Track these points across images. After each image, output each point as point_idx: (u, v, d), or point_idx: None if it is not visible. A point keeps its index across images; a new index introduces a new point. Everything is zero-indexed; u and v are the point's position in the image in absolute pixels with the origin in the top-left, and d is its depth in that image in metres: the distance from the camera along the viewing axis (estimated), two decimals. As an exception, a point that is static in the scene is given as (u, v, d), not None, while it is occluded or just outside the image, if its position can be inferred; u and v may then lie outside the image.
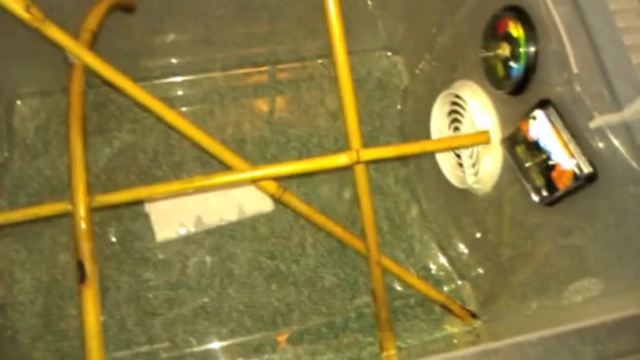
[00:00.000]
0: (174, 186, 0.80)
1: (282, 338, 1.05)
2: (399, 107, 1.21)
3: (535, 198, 0.77)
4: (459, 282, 1.10)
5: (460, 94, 0.87)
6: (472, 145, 0.85)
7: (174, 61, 1.16)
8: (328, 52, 1.19)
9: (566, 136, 0.70)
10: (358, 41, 1.21)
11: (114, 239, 1.06)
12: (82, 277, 0.75)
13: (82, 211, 0.73)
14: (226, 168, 0.88)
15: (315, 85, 1.20)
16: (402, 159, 1.17)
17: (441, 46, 1.04)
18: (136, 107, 1.13)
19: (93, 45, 0.83)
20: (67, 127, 0.74)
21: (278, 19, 1.14)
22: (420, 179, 1.15)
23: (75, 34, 0.79)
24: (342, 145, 1.15)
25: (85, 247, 0.74)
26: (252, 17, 1.13)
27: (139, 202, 1.07)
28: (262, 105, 1.18)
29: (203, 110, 1.16)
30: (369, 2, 1.15)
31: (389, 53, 1.23)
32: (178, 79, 1.17)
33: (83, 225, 0.74)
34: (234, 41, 1.17)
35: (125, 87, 0.79)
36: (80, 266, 0.74)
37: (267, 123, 1.17)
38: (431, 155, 1.03)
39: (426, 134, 1.03)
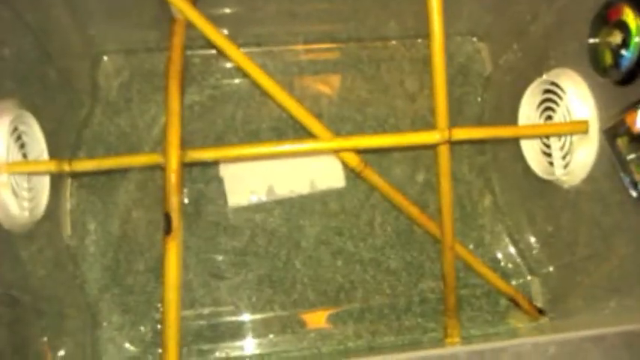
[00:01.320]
0: (261, 149, 0.80)
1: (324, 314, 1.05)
2: (479, 95, 1.18)
3: (633, 193, 0.74)
4: (528, 277, 1.08)
5: (558, 81, 0.85)
6: (569, 134, 0.82)
7: (257, 31, 1.16)
8: (410, 34, 1.20)
9: (677, 130, 0.67)
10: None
11: (187, 200, 1.07)
12: (168, 230, 0.76)
13: (174, 164, 0.74)
14: (312, 138, 0.88)
15: (395, 66, 1.18)
16: (479, 147, 1.15)
17: (533, 34, 1.01)
18: (217, 73, 1.13)
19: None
20: (165, 79, 0.75)
21: (363, -3, 1.13)
22: (496, 169, 1.13)
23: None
24: (419, 128, 1.13)
25: (174, 200, 0.75)
26: (338, -7, 1.12)
27: (214, 167, 1.08)
28: (341, 81, 1.17)
29: (282, 82, 1.13)
30: (457, -15, 1.13)
31: (474, 39, 1.20)
32: (260, 49, 1.16)
33: (174, 178, 0.75)
34: (318, 16, 1.16)
35: (223, 45, 0.79)
36: (167, 218, 0.75)
37: (344, 100, 1.16)
38: (512, 145, 1.01)
39: (507, 124, 1.01)
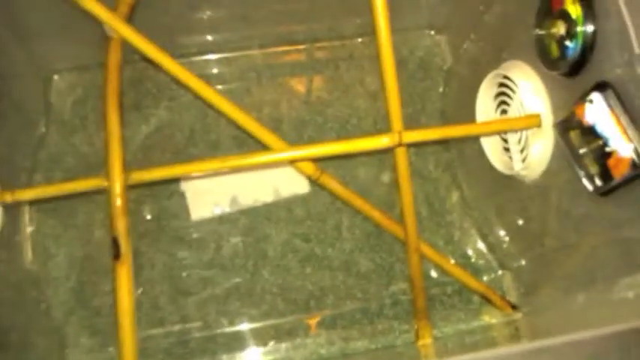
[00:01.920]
0: (211, 164, 0.79)
1: (313, 322, 1.03)
2: (441, 89, 1.16)
3: (589, 187, 0.73)
4: (500, 272, 1.07)
5: (510, 75, 0.83)
6: (522, 129, 0.81)
7: (210, 38, 1.14)
8: (369, 31, 1.17)
9: (625, 121, 0.65)
10: (400, 19, 1.16)
11: (149, 217, 1.05)
12: (116, 254, 0.74)
13: (117, 188, 0.72)
14: (263, 148, 0.86)
15: (354, 65, 1.16)
16: (444, 143, 1.13)
17: (488, 25, 0.99)
18: (173, 85, 1.11)
19: (130, 19, 0.81)
20: (103, 101, 0.73)
21: (319, -5, 1.11)
22: (462, 164, 1.11)
23: (112, 8, 0.77)
24: (382, 128, 1.12)
25: (121, 224, 0.73)
26: (292, -7, 1.10)
27: (175, 180, 1.06)
28: (300, 84, 1.16)
29: (240, 88, 1.13)
30: (413, -22, 1.11)
31: (432, 32, 1.19)
32: (215, 56, 1.15)
33: (119, 202, 0.73)
34: (273, 19, 1.14)
35: (162, 62, 0.77)
36: (115, 243, 0.74)
37: (304, 103, 1.14)
38: (475, 140, 0.99)
39: (469, 117, 0.99)
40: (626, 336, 0.53)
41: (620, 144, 0.66)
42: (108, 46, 0.75)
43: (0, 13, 0.94)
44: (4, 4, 0.93)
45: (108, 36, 0.76)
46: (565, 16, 0.72)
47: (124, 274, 0.74)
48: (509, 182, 0.95)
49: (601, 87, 0.68)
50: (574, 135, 0.73)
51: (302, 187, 1.08)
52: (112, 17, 0.73)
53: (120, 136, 0.73)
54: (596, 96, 0.68)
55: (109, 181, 0.73)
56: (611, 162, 0.68)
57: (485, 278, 1.06)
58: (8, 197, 0.74)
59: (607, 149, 0.68)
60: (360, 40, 1.18)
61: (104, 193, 1.02)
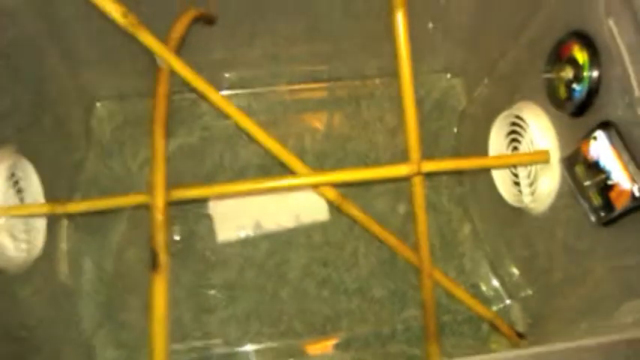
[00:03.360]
0: (243, 186, 0.86)
1: (329, 344, 1.08)
2: (455, 129, 1.24)
3: (592, 217, 0.79)
4: (508, 302, 1.11)
5: (521, 114, 0.90)
6: (531, 164, 0.87)
7: (242, 74, 1.22)
8: (388, 72, 1.26)
9: (626, 157, 0.72)
10: (418, 63, 1.22)
11: (178, 238, 1.11)
12: (154, 266, 0.80)
13: (159, 203, 0.79)
14: (291, 175, 0.93)
15: (374, 103, 1.24)
16: (457, 178, 1.20)
17: (501, 70, 1.07)
18: (205, 115, 1.19)
19: (177, 52, 0.90)
20: (151, 125, 0.80)
21: (342, 39, 1.19)
22: (474, 199, 1.18)
23: (163, 41, 0.86)
24: (399, 161, 1.18)
25: (160, 238, 0.79)
26: (319, 37, 1.18)
27: (203, 205, 1.13)
28: (323, 119, 1.23)
29: (267, 121, 1.21)
30: (430, 25, 1.19)
31: (448, 75, 1.27)
32: (245, 91, 1.23)
33: (160, 216, 0.79)
34: (300, 58, 1.22)
35: (206, 91, 0.85)
36: (154, 255, 0.80)
37: (326, 137, 1.22)
38: (486, 175, 1.06)
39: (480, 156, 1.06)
40: (623, 346, 0.58)
41: (621, 177, 0.72)
42: (158, 75, 0.83)
43: (53, 40, 1.01)
44: (59, 31, 1.01)
45: (158, 67, 0.84)
46: (573, 62, 0.79)
47: (161, 285, 0.80)
48: (518, 216, 1.01)
49: (604, 126, 0.74)
50: (579, 169, 0.80)
51: (322, 214, 1.14)
52: (164, 49, 0.81)
53: (164, 158, 0.80)
54: (599, 134, 0.75)
55: (152, 197, 0.79)
56: (613, 194, 0.74)
57: (494, 308, 1.11)
58: (59, 209, 0.81)
59: (609, 182, 0.74)
60: (379, 80, 1.26)
61: (138, 213, 1.10)
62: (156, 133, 0.79)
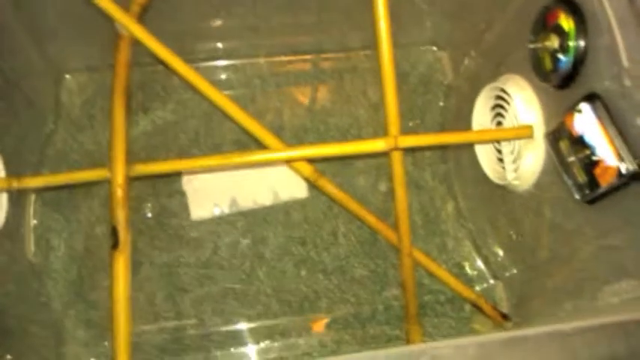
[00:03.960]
0: (212, 160, 0.81)
1: (321, 323, 1.05)
2: (441, 103, 1.19)
3: (576, 195, 0.75)
4: (492, 282, 1.08)
5: (505, 87, 0.86)
6: (514, 139, 0.83)
7: (219, 45, 1.17)
8: (373, 45, 1.21)
9: (612, 131, 0.68)
10: (404, 35, 1.20)
11: (149, 215, 1.08)
12: (115, 243, 0.76)
13: (119, 179, 0.75)
14: (263, 149, 0.89)
15: (357, 76, 1.20)
16: (441, 155, 1.16)
17: (488, 42, 1.03)
18: (179, 89, 1.14)
19: (141, 20, 0.85)
20: (111, 96, 0.76)
21: (325, 10, 1.14)
22: (458, 176, 1.14)
23: (125, 8, 0.81)
24: (379, 137, 1.14)
25: (121, 215, 0.76)
26: (301, 7, 1.13)
27: (176, 180, 1.09)
28: (304, 93, 1.19)
29: (245, 95, 1.17)
30: (417, -3, 1.14)
31: (434, 48, 1.22)
32: (222, 62, 1.18)
33: (120, 192, 0.75)
34: (281, 30, 1.18)
35: (171, 62, 0.80)
36: (114, 232, 0.76)
37: (307, 111, 1.17)
38: (470, 152, 1.02)
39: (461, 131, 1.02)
40: (610, 329, 0.55)
41: (606, 153, 0.68)
42: (118, 44, 0.78)
43: (17, 13, 0.97)
44: (23, 3, 0.97)
45: (119, 34, 0.79)
46: (558, 30, 0.75)
47: (122, 263, 0.76)
48: (502, 194, 0.98)
49: (590, 98, 0.70)
50: (563, 145, 0.76)
51: (300, 191, 1.11)
52: (124, 16, 0.76)
53: (124, 130, 0.76)
54: (585, 106, 0.71)
55: (112, 172, 0.75)
56: (597, 171, 0.70)
57: (477, 288, 1.08)
58: (15, 183, 0.77)
59: (594, 158, 0.70)
60: (363, 53, 1.22)
61: (106, 189, 1.06)
62: (115, 104, 0.75)
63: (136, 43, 0.81)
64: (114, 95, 0.75)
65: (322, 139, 1.15)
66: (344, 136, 1.16)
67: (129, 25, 0.76)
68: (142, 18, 0.83)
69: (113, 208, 0.75)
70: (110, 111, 0.75)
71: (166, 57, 0.80)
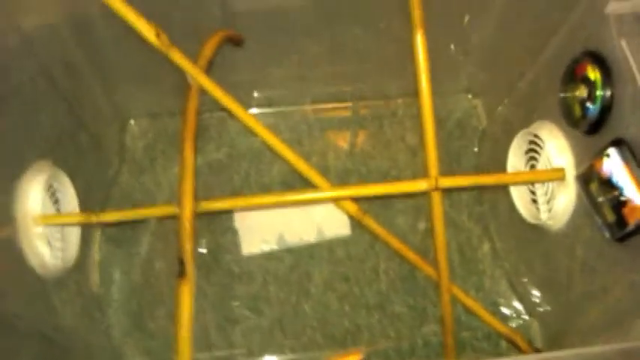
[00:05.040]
0: (268, 199, 0.89)
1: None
2: (476, 148, 1.26)
3: (606, 233, 0.80)
4: (527, 318, 1.12)
5: (538, 133, 0.93)
6: (547, 181, 0.89)
7: (269, 93, 1.27)
8: (410, 92, 1.29)
9: (637, 173, 0.73)
10: (440, 84, 1.26)
11: (204, 250, 1.16)
12: (181, 273, 0.84)
13: (188, 214, 0.83)
14: (312, 189, 0.97)
15: (396, 122, 1.28)
16: (477, 197, 1.22)
17: (520, 90, 1.10)
18: (232, 133, 1.24)
19: (207, 72, 0.95)
20: (181, 139, 0.85)
21: (365, 60, 1.23)
22: (494, 217, 1.20)
23: (193, 61, 0.91)
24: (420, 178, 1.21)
25: (187, 247, 0.83)
26: (343, 58, 1.23)
27: (229, 218, 1.17)
28: (346, 138, 1.27)
29: (291, 139, 1.25)
30: (452, 47, 1.23)
31: (469, 96, 1.30)
32: (272, 109, 1.28)
33: (188, 226, 0.83)
34: (324, 78, 1.27)
35: (232, 108, 0.89)
36: (181, 263, 0.84)
37: (349, 155, 1.25)
38: (505, 194, 1.08)
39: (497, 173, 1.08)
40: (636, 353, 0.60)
41: (633, 193, 0.74)
42: (188, 93, 0.87)
43: (90, 60, 1.08)
44: (95, 51, 1.07)
45: (188, 85, 0.89)
46: (586, 81, 0.81)
47: (187, 292, 0.83)
48: (536, 234, 1.03)
49: (617, 143, 0.76)
50: (593, 186, 0.82)
51: (344, 229, 1.17)
52: (194, 68, 0.86)
53: (192, 170, 0.85)
54: (612, 151, 0.77)
55: (181, 207, 0.83)
56: (626, 210, 0.76)
57: (513, 325, 1.12)
58: (94, 218, 0.86)
59: (622, 199, 0.76)
60: (401, 100, 1.30)
61: (167, 225, 1.15)
62: (186, 146, 0.84)
63: (202, 93, 0.90)
64: (184, 138, 0.84)
65: (364, 180, 1.22)
66: (384, 178, 1.23)
67: (199, 77, 0.86)
68: (208, 71, 0.92)
69: (181, 240, 0.82)
70: (181, 152, 0.84)
71: (229, 104, 0.89)
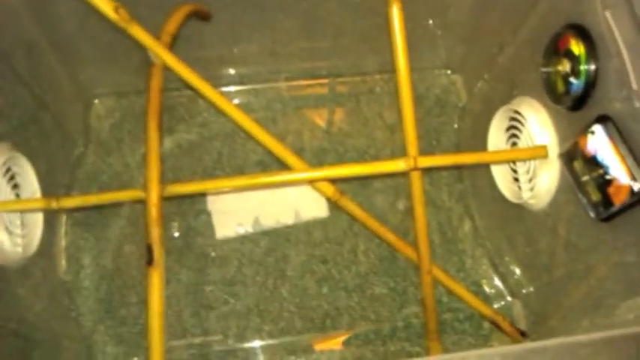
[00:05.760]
0: (240, 181, 0.85)
1: (337, 341, 1.08)
2: (455, 125, 1.23)
3: (591, 213, 0.78)
4: (510, 299, 1.10)
5: (519, 109, 0.89)
6: (530, 159, 0.86)
7: (241, 70, 1.22)
8: (388, 68, 1.25)
9: (624, 151, 0.71)
10: (419, 59, 1.24)
11: (177, 234, 1.11)
12: (149, 260, 0.80)
13: (154, 198, 0.79)
14: (287, 170, 0.93)
15: (374, 99, 1.24)
16: (457, 175, 1.19)
17: (500, 65, 1.06)
18: (204, 112, 1.19)
19: (170, 48, 0.89)
20: (145, 120, 0.80)
21: (342, 35, 1.19)
22: (475, 195, 1.17)
23: (156, 37, 0.85)
24: (397, 157, 1.18)
25: (155, 233, 0.79)
26: (317, 32, 1.18)
27: (201, 200, 1.13)
28: (322, 116, 1.23)
29: (265, 118, 1.21)
30: (430, 22, 1.18)
31: (448, 72, 1.26)
32: (244, 87, 1.23)
33: (154, 211, 0.79)
34: (299, 54, 1.22)
35: (199, 86, 0.84)
36: (149, 250, 0.80)
37: (326, 133, 1.21)
38: (486, 172, 1.05)
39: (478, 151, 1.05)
40: (622, 341, 0.57)
41: (619, 172, 0.71)
42: (151, 70, 0.82)
43: (50, 39, 1.02)
44: (56, 29, 1.01)
45: (151, 62, 0.84)
46: (569, 55, 0.78)
47: (156, 279, 0.79)
48: (518, 213, 1.00)
49: (602, 120, 0.73)
50: (577, 164, 0.79)
51: (321, 211, 1.14)
52: (156, 45, 0.81)
53: (158, 152, 0.80)
54: (597, 128, 0.74)
55: (146, 192, 0.79)
56: (611, 189, 0.73)
57: (495, 306, 1.10)
58: (54, 204, 0.81)
59: (607, 177, 0.73)
60: (379, 76, 1.26)
61: (136, 208, 1.11)
62: (149, 127, 0.79)
63: (166, 70, 0.85)
64: (148, 119, 0.79)
65: (341, 159, 1.18)
66: (362, 157, 1.19)
67: (161, 53, 0.81)
68: (171, 46, 0.87)
69: (148, 226, 0.78)
70: (145, 134, 0.79)
71: (195, 82, 0.84)
